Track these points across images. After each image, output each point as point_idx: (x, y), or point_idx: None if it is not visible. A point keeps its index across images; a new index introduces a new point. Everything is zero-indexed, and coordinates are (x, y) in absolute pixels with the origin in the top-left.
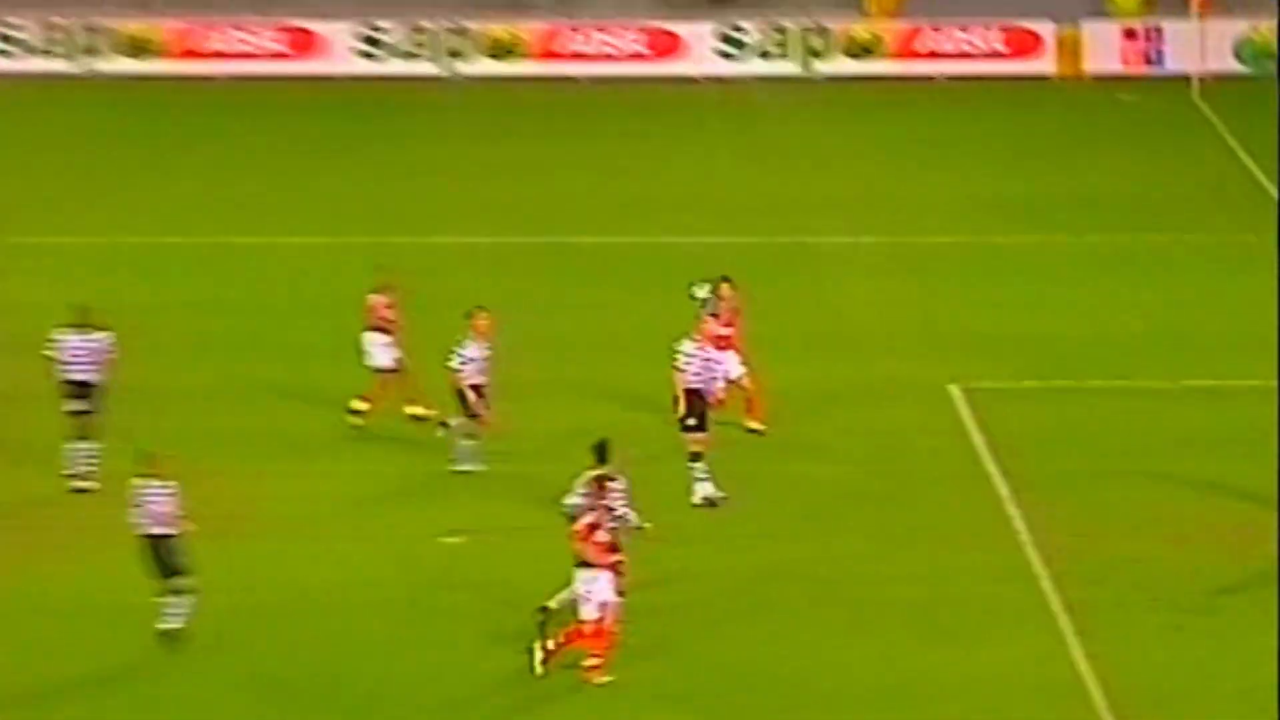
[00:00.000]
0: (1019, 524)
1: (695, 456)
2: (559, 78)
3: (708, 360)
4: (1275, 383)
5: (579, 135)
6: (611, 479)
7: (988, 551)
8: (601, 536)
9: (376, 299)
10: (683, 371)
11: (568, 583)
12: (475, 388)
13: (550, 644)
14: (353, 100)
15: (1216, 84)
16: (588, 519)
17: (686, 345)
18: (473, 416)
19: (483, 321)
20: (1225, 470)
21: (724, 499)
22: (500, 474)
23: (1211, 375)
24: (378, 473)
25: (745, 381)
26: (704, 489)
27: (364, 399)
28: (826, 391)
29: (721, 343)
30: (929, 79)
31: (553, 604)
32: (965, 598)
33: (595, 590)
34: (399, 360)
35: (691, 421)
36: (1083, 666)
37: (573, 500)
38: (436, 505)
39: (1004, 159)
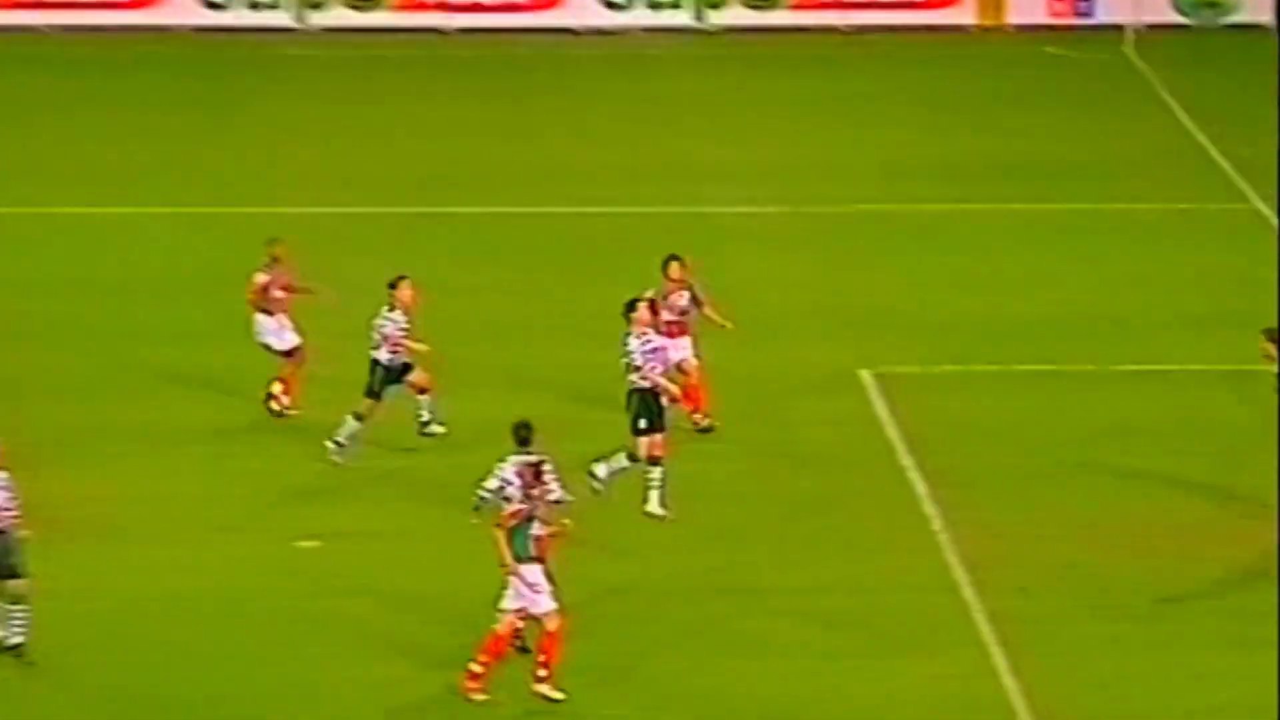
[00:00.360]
0: (938, 524)
1: (652, 461)
2: (425, 30)
3: (651, 352)
4: (1222, 367)
5: (446, 95)
6: (544, 464)
7: (904, 556)
8: (538, 529)
9: (263, 277)
10: (628, 373)
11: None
12: (388, 364)
13: (476, 667)
14: (196, 55)
15: (1152, 36)
16: (521, 508)
17: (630, 341)
18: (372, 395)
19: (406, 292)
20: (1165, 464)
21: (666, 517)
22: (375, 471)
23: (1148, 358)
24: (255, 469)
25: (687, 366)
26: (653, 501)
27: (281, 382)
28: (724, 378)
29: (674, 328)
30: (835, 30)
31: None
32: (881, 608)
33: (535, 579)
34: (297, 342)
35: (642, 424)
36: (1009, 683)
37: (490, 490)
38: (314, 505)
39: (918, 119)
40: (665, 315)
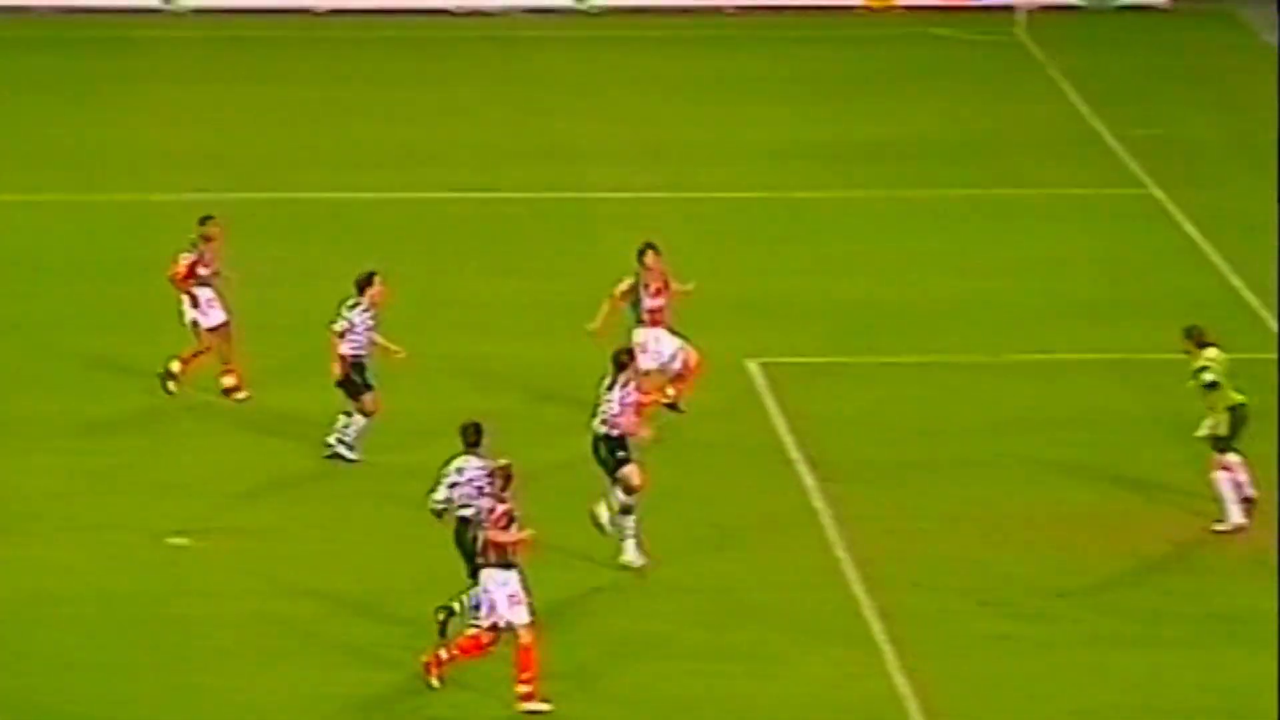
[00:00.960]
0: (826, 519)
1: (625, 508)
2: (296, 10)
3: (630, 404)
4: (1113, 356)
5: (316, 77)
6: (509, 469)
7: (793, 551)
8: (514, 532)
9: (189, 257)
10: (598, 419)
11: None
12: (357, 366)
13: (444, 653)
14: (52, 35)
15: (1044, 17)
16: (503, 508)
17: (613, 391)
18: (355, 396)
19: (376, 289)
20: (1056, 455)
21: (644, 566)
22: (249, 466)
23: (1039, 347)
24: (127, 463)
25: (689, 359)
26: (629, 550)
27: (181, 360)
28: (607, 368)
29: (654, 316)
30: (718, 10)
31: (456, 605)
32: (768, 605)
33: (514, 589)
34: (224, 319)
35: (620, 454)
36: (900, 681)
37: (446, 495)
38: (186, 500)
39: (806, 102)
40: (647, 303)
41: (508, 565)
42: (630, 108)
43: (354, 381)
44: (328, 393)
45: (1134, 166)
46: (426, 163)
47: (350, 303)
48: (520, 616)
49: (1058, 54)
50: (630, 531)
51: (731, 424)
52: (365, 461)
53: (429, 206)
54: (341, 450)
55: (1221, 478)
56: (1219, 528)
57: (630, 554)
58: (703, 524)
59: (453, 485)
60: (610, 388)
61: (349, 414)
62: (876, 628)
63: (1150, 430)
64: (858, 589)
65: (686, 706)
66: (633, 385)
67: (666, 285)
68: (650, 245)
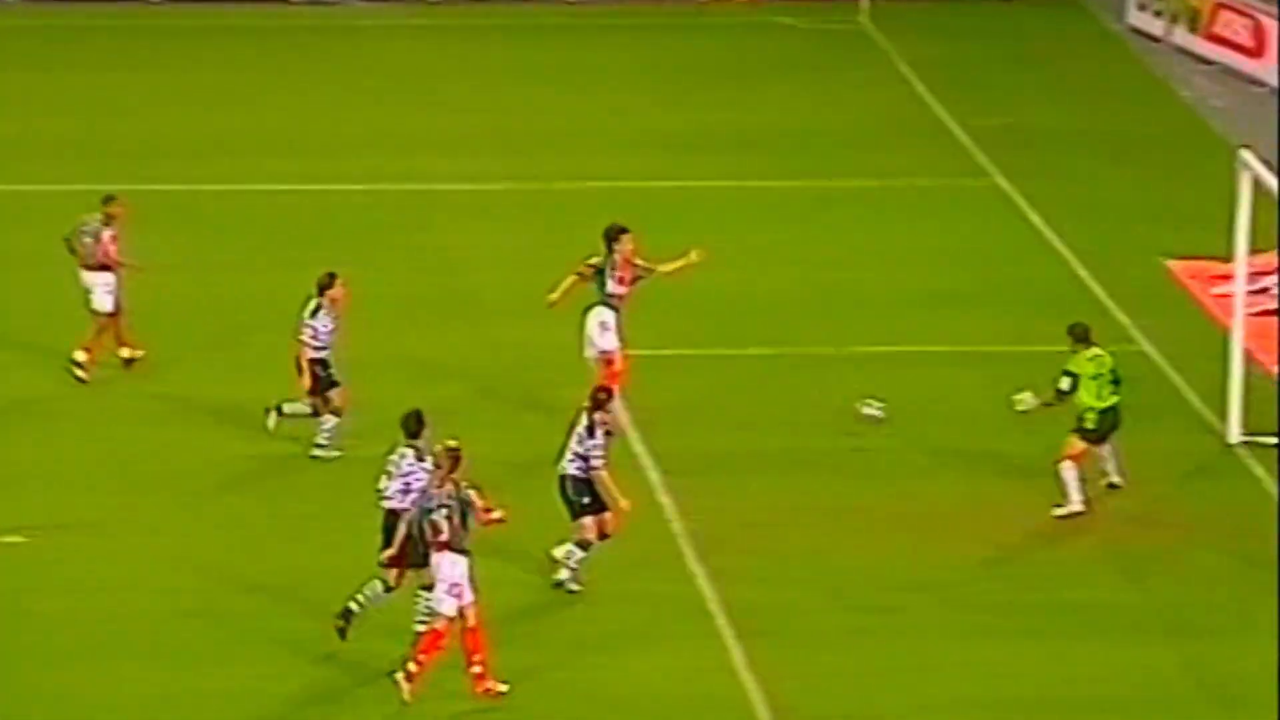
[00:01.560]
0: (672, 513)
1: (603, 537)
2: None
3: (605, 447)
4: (964, 348)
5: (154, 66)
6: (457, 452)
7: (637, 545)
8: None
9: (109, 233)
10: (570, 460)
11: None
12: (319, 362)
13: (413, 666)
14: None
15: (888, 6)
16: (481, 500)
17: (596, 434)
18: (316, 394)
19: (338, 290)
20: (908, 447)
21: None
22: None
23: (888, 339)
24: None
25: (616, 356)
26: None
27: (85, 349)
28: (447, 361)
29: (616, 300)
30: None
31: (354, 605)
32: (613, 598)
33: (457, 577)
34: (118, 303)
35: (586, 501)
36: (746, 678)
37: (395, 479)
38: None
39: (650, 91)
40: (610, 287)
41: (459, 551)
42: (471, 97)
43: (320, 379)
44: (163, 384)
45: (980, 156)
46: (269, 153)
47: (311, 307)
48: (449, 609)
49: (902, 43)
50: (571, 562)
51: (572, 416)
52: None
53: (272, 198)
54: (321, 454)
55: (1068, 466)
56: (1058, 512)
57: (560, 552)
58: (544, 517)
59: (389, 473)
60: (590, 431)
61: (316, 414)
62: (723, 622)
63: (999, 421)
64: (704, 583)
65: (530, 699)
66: (610, 425)
67: (634, 279)
68: (623, 229)
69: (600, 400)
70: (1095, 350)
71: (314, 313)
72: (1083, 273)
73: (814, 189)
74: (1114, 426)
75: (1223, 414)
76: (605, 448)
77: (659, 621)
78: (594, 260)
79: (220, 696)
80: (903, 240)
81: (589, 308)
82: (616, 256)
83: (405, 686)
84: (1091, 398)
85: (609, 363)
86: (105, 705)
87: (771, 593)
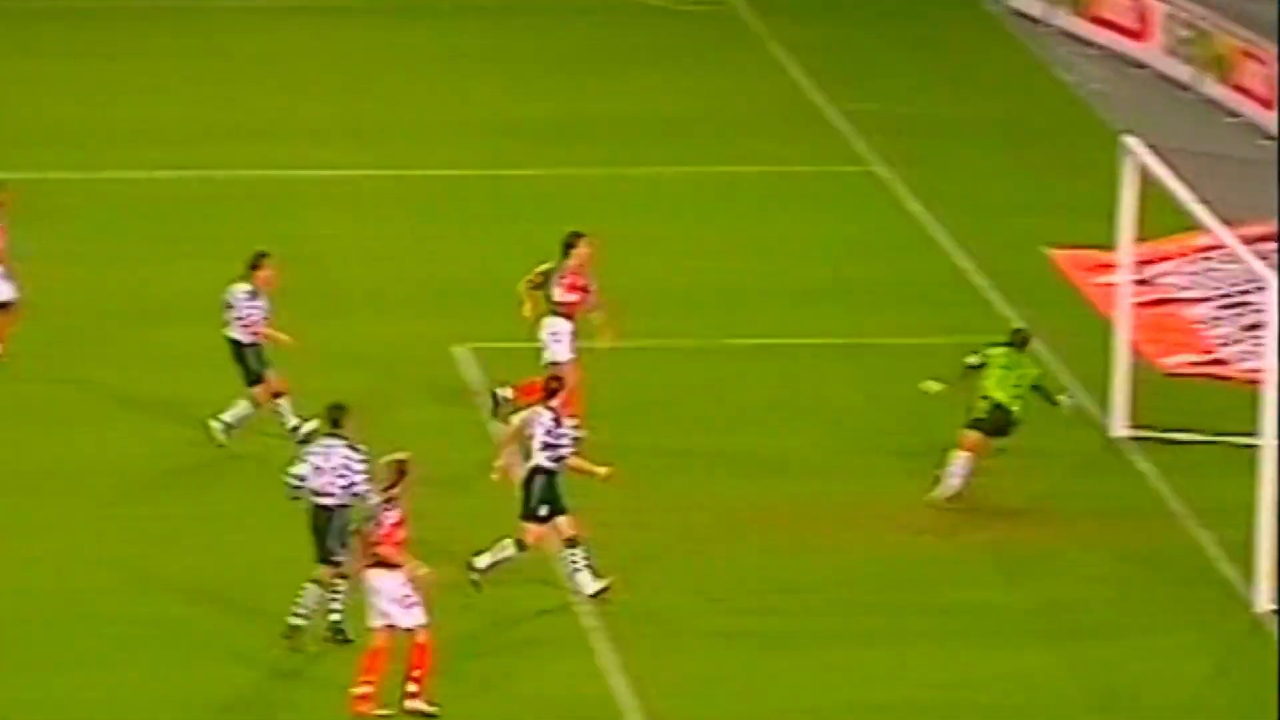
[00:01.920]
0: (544, 511)
1: (570, 543)
2: None
3: (575, 438)
4: (838, 341)
5: (4, 49)
6: (405, 465)
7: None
8: (402, 533)
9: None
10: (531, 453)
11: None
12: (255, 348)
13: (365, 687)
14: None
15: None
16: (395, 516)
17: (565, 425)
18: (255, 382)
19: (266, 271)
20: (785, 444)
21: (607, 586)
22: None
23: (762, 332)
24: None
25: (567, 369)
26: (586, 582)
27: None
28: (304, 357)
29: (565, 308)
30: None
31: (299, 620)
32: (480, 601)
33: (405, 591)
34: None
35: (544, 511)
36: (619, 682)
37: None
38: None
39: (517, 76)
40: (557, 294)
41: (393, 566)
42: (336, 83)
43: (248, 367)
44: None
45: (857, 143)
46: (120, 141)
47: (243, 289)
48: (417, 618)
49: (776, 26)
50: (582, 563)
51: (437, 414)
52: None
53: (123, 186)
54: (217, 430)
55: (962, 458)
56: (935, 494)
57: (588, 585)
58: (413, 522)
59: (317, 468)
60: (557, 420)
61: (257, 406)
62: (594, 624)
63: (878, 416)
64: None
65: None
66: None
67: (585, 289)
68: (580, 235)
69: (554, 389)
70: (1025, 357)
71: (248, 295)
72: (963, 263)
73: (686, 177)
74: (998, 430)
75: (1106, 407)
76: (573, 436)
77: (529, 626)
78: (543, 267)
79: (139, 700)
80: (778, 230)
81: (541, 316)
82: (569, 263)
83: (418, 705)
84: (993, 386)
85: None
86: (22, 712)
87: (645, 594)
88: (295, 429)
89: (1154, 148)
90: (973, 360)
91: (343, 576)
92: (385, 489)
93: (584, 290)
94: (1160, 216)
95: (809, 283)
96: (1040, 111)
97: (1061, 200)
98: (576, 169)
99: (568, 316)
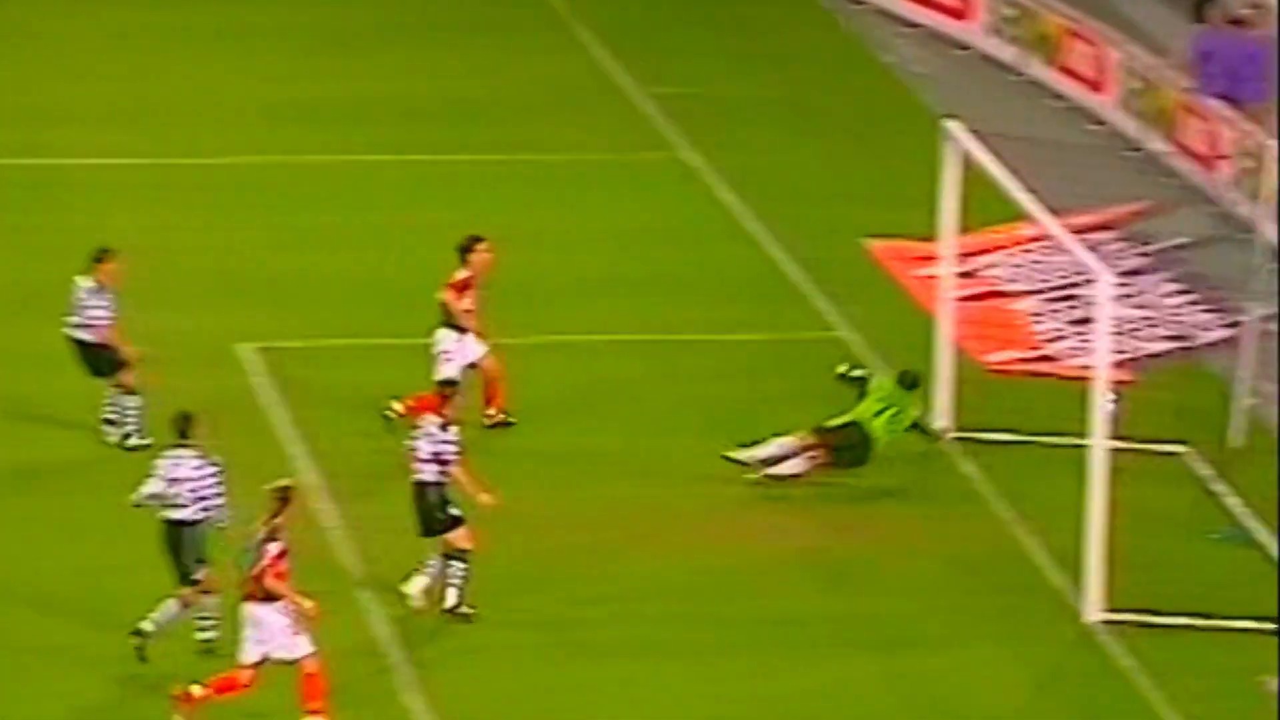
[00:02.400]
0: (333, 520)
1: (459, 554)
2: None
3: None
4: (641, 337)
5: None
6: (288, 492)
7: (296, 559)
8: (285, 565)
9: None
10: (420, 464)
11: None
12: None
13: (197, 689)
14: None
15: None
16: (278, 547)
17: (450, 431)
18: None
19: (112, 265)
20: (585, 445)
21: (474, 613)
22: None
23: (561, 328)
24: None
25: (486, 364)
26: (452, 596)
27: None
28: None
29: (461, 319)
30: None
31: (147, 625)
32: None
33: (287, 622)
34: None
35: (450, 513)
36: (414, 699)
37: (154, 491)
38: None
39: (303, 57)
40: (466, 304)
41: (274, 599)
42: (103, 63)
43: (101, 362)
44: None
45: (664, 128)
46: None
47: (86, 286)
48: (304, 647)
49: (578, 5)
50: (459, 578)
51: (222, 419)
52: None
53: None
54: (110, 431)
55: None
56: (770, 471)
57: (452, 599)
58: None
59: (171, 481)
60: (444, 426)
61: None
62: (386, 636)
63: (684, 416)
64: (369, 598)
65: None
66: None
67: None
68: (478, 239)
69: (447, 395)
70: (910, 397)
71: (93, 292)
72: (776, 254)
73: (483, 164)
74: (856, 462)
75: (928, 407)
76: (459, 443)
77: (319, 644)
78: (462, 274)
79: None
80: (579, 220)
81: (433, 328)
82: (468, 270)
83: (179, 705)
84: (871, 418)
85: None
86: None
87: (439, 608)
88: (127, 436)
89: (977, 133)
90: (852, 373)
91: (206, 593)
92: (268, 519)
93: (472, 293)
94: (984, 205)
95: (612, 275)
96: (858, 94)
97: (880, 188)
98: (368, 155)
99: (462, 330)
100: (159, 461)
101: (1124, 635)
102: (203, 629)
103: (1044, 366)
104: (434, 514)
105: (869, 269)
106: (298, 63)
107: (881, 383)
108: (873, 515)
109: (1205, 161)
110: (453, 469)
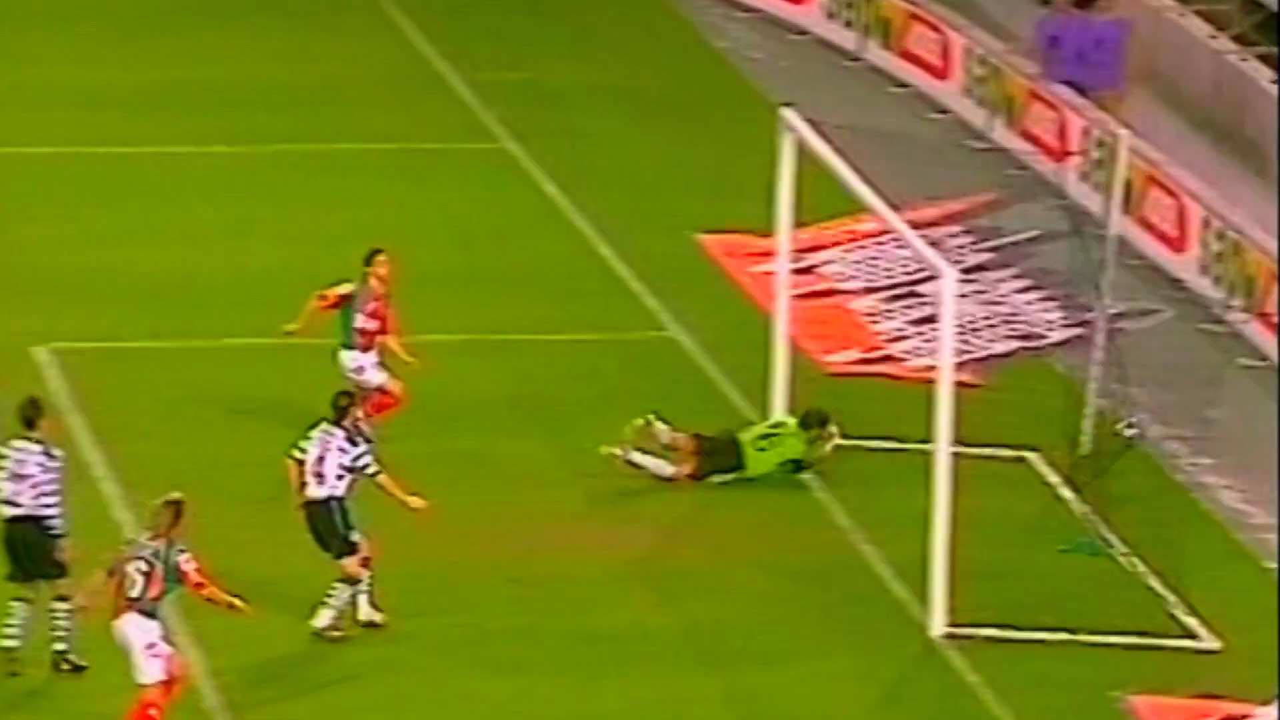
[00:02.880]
0: (134, 532)
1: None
2: None
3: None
4: (463, 336)
5: None
6: (181, 505)
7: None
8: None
9: None
10: (322, 480)
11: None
12: None
13: None
14: None
15: None
16: (191, 560)
17: (360, 444)
18: None
19: None
20: (406, 450)
21: (385, 620)
22: None
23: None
24: None
25: (391, 387)
26: (364, 607)
27: None
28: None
29: (369, 338)
30: None
31: (10, 642)
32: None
33: (152, 639)
34: None
35: (355, 537)
36: None
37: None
38: None
39: (92, 39)
40: (358, 321)
41: (148, 614)
42: None
43: None
44: None
45: (486, 116)
46: None
47: None
48: (153, 673)
49: None
50: (365, 587)
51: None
52: None
53: None
54: None
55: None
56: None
57: (365, 611)
58: None
59: (14, 475)
60: (353, 440)
61: None
62: (195, 654)
63: (510, 420)
64: (172, 612)
65: None
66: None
67: (383, 314)
68: (378, 251)
69: (345, 406)
70: (802, 434)
71: None
72: (605, 250)
73: (294, 154)
74: (722, 469)
75: (765, 410)
76: (374, 452)
77: (116, 659)
78: (344, 288)
79: None
80: (398, 213)
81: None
82: (371, 284)
83: None
84: (753, 431)
85: (383, 401)
86: None
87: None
88: None
89: (814, 122)
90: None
91: (62, 599)
92: (166, 531)
93: (383, 315)
94: (823, 198)
95: (435, 274)
96: (690, 82)
97: (714, 180)
98: (175, 145)
99: (366, 348)
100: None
101: (971, 649)
102: (56, 639)
103: (885, 368)
104: (336, 533)
105: (702, 265)
106: (83, 45)
107: (784, 419)
108: (707, 523)
109: (1053, 152)
110: (378, 480)
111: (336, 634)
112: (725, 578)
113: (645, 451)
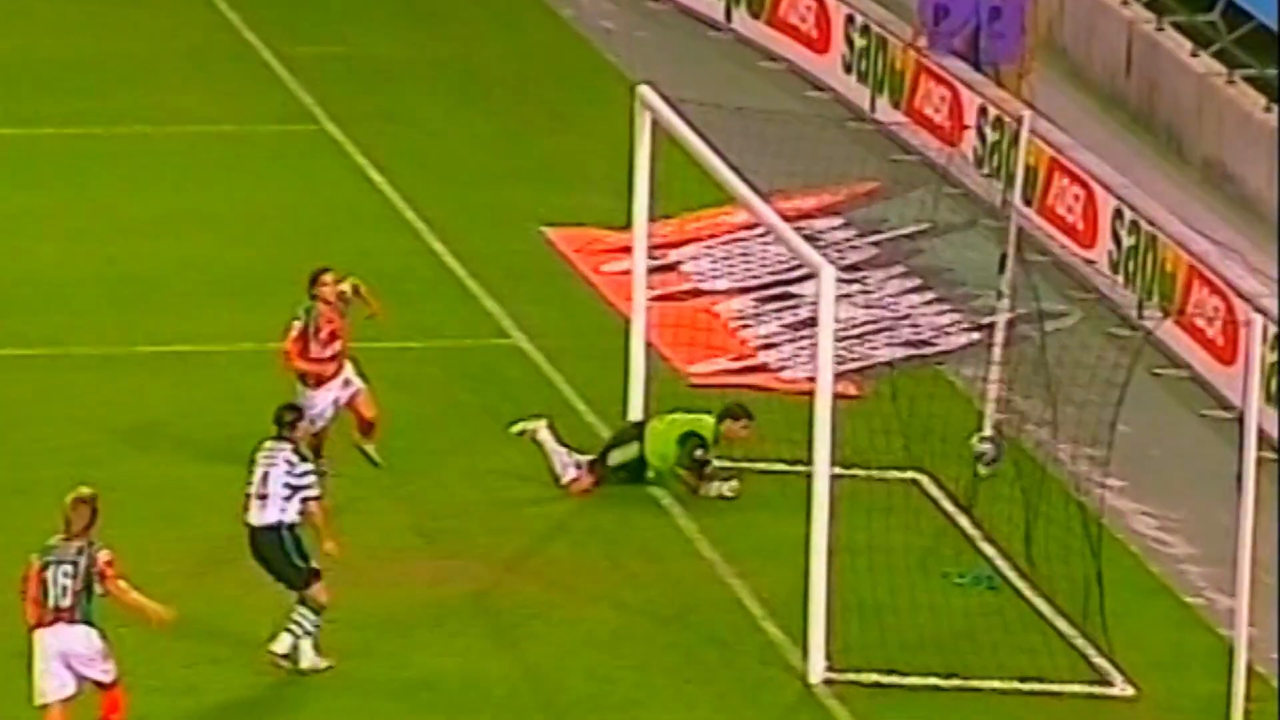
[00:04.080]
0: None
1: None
2: None
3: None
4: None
5: None
6: (95, 501)
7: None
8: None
9: None
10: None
11: None
12: None
13: None
14: None
15: None
16: (107, 554)
17: (308, 464)
18: None
19: None
20: (222, 472)
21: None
22: None
23: (184, 335)
24: None
25: (361, 402)
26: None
27: None
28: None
29: (333, 363)
30: None
31: None
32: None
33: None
34: None
35: (315, 564)
36: None
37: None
38: None
39: None
40: (319, 353)
41: (75, 622)
42: None
43: None
44: None
45: (304, 95)
46: None
47: None
48: (111, 671)
49: None
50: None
51: None
52: None
53: None
54: None
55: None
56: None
57: (308, 656)
58: None
59: None
60: (301, 456)
61: None
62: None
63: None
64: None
65: None
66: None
67: (335, 335)
68: (324, 270)
69: (291, 420)
70: (722, 427)
71: None
72: (437, 245)
73: (88, 138)
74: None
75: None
76: (318, 474)
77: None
78: (294, 328)
79: None
80: (203, 203)
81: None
82: (319, 309)
83: None
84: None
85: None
86: None
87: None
88: None
89: (675, 101)
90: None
91: None
92: (79, 531)
93: (334, 339)
94: (685, 187)
95: (246, 272)
96: (532, 56)
97: (560, 167)
98: None
99: (321, 383)
100: None
101: (852, 697)
102: None
103: (756, 378)
104: (291, 562)
105: (548, 263)
106: None
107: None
108: (551, 555)
109: (945, 134)
110: (309, 507)
111: (325, 664)
112: (568, 616)
113: (559, 441)
